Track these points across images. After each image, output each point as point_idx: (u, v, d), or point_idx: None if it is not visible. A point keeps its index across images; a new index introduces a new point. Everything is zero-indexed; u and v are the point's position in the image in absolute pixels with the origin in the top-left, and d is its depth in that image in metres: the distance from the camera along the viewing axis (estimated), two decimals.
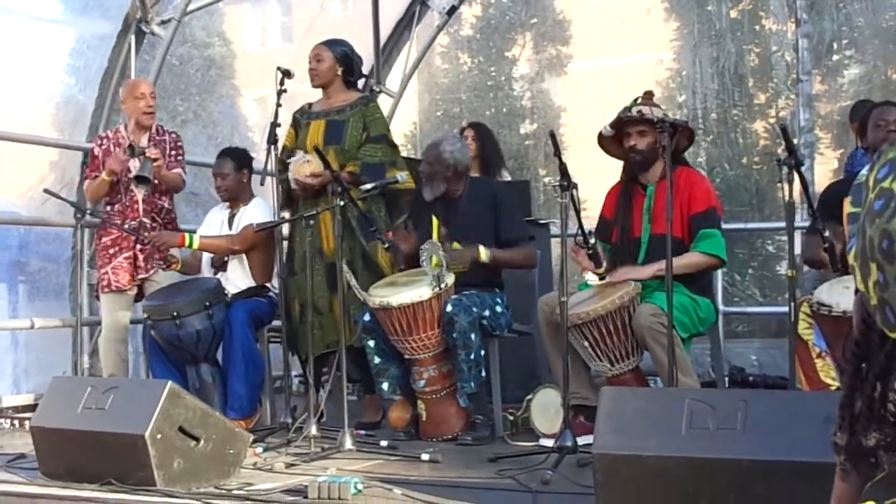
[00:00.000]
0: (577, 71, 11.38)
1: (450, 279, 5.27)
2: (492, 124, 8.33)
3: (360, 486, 3.78)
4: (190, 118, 9.63)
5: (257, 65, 11.65)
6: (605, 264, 5.11)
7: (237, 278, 6.10)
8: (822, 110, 9.33)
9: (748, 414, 3.17)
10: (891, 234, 1.26)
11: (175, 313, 5.67)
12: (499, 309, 5.49)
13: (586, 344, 4.91)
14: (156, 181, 6.04)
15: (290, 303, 5.77)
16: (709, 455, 3.16)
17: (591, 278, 5.17)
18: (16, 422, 5.92)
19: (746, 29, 9.99)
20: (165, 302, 5.80)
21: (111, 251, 6.09)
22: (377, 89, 9.07)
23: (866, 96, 7.99)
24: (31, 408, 5.82)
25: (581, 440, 4.37)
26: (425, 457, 4.62)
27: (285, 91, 5.67)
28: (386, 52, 9.34)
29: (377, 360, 5.43)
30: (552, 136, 4.68)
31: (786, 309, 4.40)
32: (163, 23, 7.56)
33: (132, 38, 7.51)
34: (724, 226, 5.21)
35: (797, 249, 5.40)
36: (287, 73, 5.67)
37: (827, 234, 4.71)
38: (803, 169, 4.64)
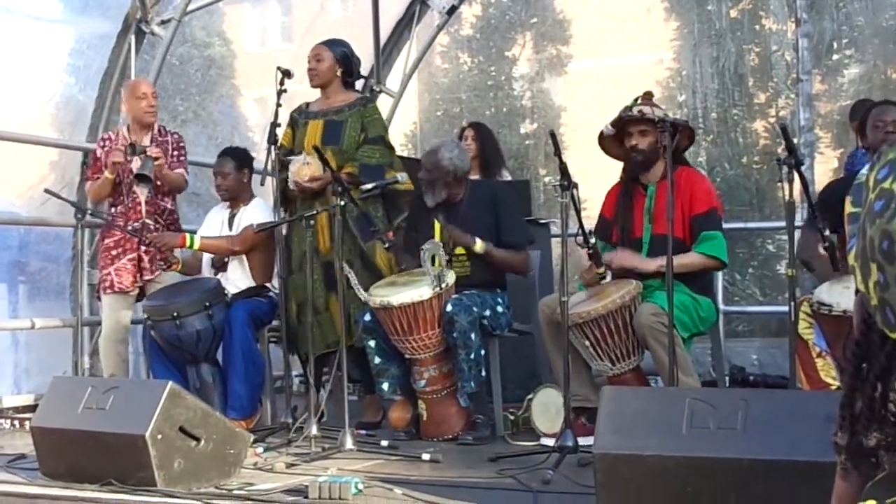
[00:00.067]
0: (577, 70, 11.37)
1: (450, 279, 5.27)
2: (492, 124, 8.33)
3: (360, 486, 3.78)
4: (190, 118, 9.62)
5: (257, 65, 11.65)
6: (605, 264, 5.12)
7: (237, 278, 6.10)
8: (822, 110, 9.33)
9: (749, 413, 3.17)
10: (891, 234, 1.26)
11: (175, 314, 5.67)
12: (499, 309, 5.49)
13: (587, 343, 4.92)
14: (158, 182, 6.04)
15: (288, 302, 5.77)
16: (709, 454, 3.16)
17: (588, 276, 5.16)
18: (16, 422, 5.92)
19: (746, 28, 9.98)
20: (165, 302, 5.81)
21: (113, 252, 6.10)
22: (377, 89, 9.08)
23: (866, 96, 7.98)
24: (32, 408, 5.82)
25: (583, 441, 4.36)
26: (426, 457, 4.62)
27: (285, 91, 5.67)
28: (386, 51, 9.34)
29: (378, 360, 5.44)
30: (552, 135, 4.68)
31: (786, 308, 4.40)
32: (163, 23, 7.55)
33: (132, 37, 7.51)
34: (724, 225, 5.21)
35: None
36: (287, 73, 5.68)
37: (827, 233, 4.71)
38: (803, 168, 4.64)
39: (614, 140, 5.25)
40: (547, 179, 10.21)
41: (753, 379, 6.86)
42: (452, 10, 9.26)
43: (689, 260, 4.98)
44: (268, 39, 14.10)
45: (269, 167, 5.62)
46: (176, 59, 9.03)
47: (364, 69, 6.39)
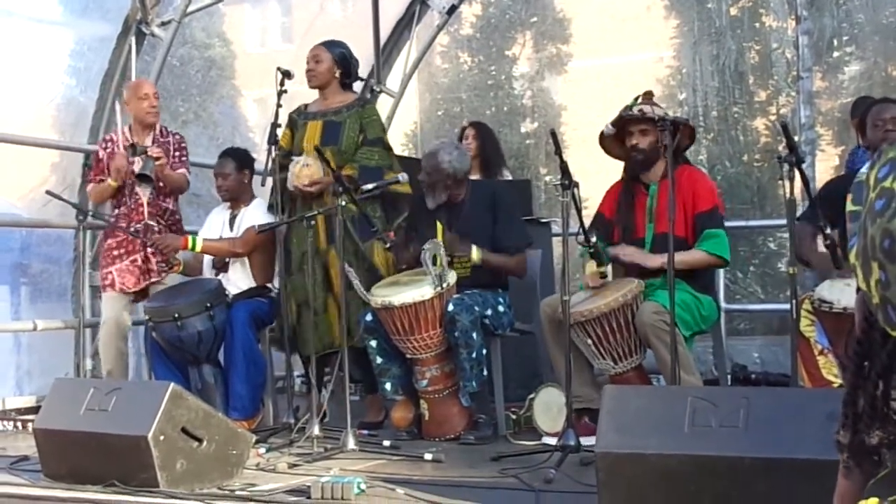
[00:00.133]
0: (577, 69, 11.37)
1: (452, 278, 5.27)
2: (492, 123, 8.33)
3: (363, 486, 3.78)
4: (191, 119, 9.63)
5: (257, 65, 11.66)
6: (607, 263, 5.12)
7: (238, 279, 6.10)
8: (823, 107, 9.32)
9: (750, 411, 3.17)
10: (892, 233, 1.26)
11: (176, 315, 5.67)
12: (501, 308, 5.49)
13: (589, 342, 4.92)
14: (160, 183, 6.05)
15: (288, 303, 5.76)
16: (711, 453, 3.16)
17: (593, 269, 5.16)
18: (18, 424, 5.93)
19: (746, 26, 9.98)
20: (166, 303, 5.81)
21: (115, 252, 6.11)
22: (377, 89, 9.08)
23: (867, 93, 7.98)
24: (34, 410, 5.82)
25: (586, 441, 4.36)
26: (428, 456, 4.62)
27: (285, 91, 5.67)
28: (386, 51, 9.33)
29: (379, 360, 5.44)
30: (553, 134, 4.68)
31: (787, 306, 4.40)
32: (163, 24, 7.55)
33: (132, 39, 7.51)
34: (725, 223, 5.21)
35: None
36: (287, 74, 5.68)
37: (828, 231, 4.71)
38: (804, 166, 4.64)
39: (615, 140, 5.25)
40: (548, 178, 10.21)
41: (755, 377, 6.86)
42: (452, 10, 9.25)
43: (691, 257, 4.98)
44: (268, 40, 14.11)
45: (270, 167, 5.62)
46: (176, 61, 9.03)
47: (364, 69, 6.40)
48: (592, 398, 4.92)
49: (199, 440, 4.11)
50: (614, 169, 5.42)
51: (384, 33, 9.19)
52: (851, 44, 9.58)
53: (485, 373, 5.30)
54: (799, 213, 5.15)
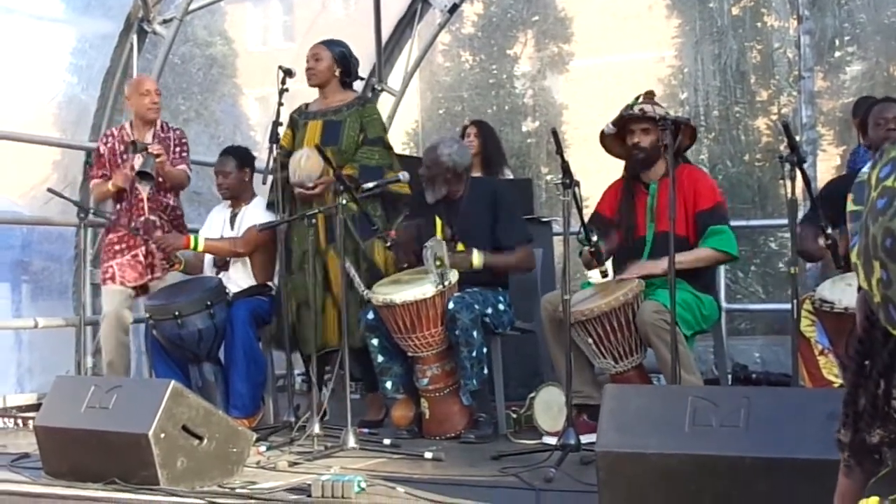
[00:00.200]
0: (578, 68, 11.37)
1: (453, 277, 5.27)
2: (493, 122, 8.32)
3: (363, 485, 3.78)
4: (192, 117, 9.62)
5: (259, 64, 11.65)
6: (607, 262, 5.11)
7: (239, 277, 6.11)
8: (825, 107, 9.32)
9: (751, 411, 3.17)
10: (893, 232, 1.26)
11: (177, 313, 5.68)
12: (501, 307, 5.49)
13: (590, 341, 4.92)
14: (160, 178, 6.06)
15: (288, 302, 5.76)
16: (712, 452, 3.16)
17: (595, 277, 5.16)
18: (19, 421, 5.93)
19: (748, 26, 9.98)
20: (167, 301, 5.81)
21: (116, 247, 6.14)
22: (379, 88, 9.08)
23: (868, 93, 7.98)
24: (35, 407, 5.82)
25: (585, 438, 4.36)
26: (428, 455, 4.62)
27: (287, 90, 5.67)
28: (388, 50, 9.33)
29: (380, 358, 5.44)
30: (554, 133, 4.68)
31: (788, 306, 4.40)
32: (165, 22, 7.56)
33: (134, 37, 7.51)
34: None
35: None
36: (289, 72, 5.68)
37: (829, 231, 4.71)
38: (805, 166, 4.64)
39: (616, 139, 5.25)
40: (549, 178, 10.20)
41: (756, 377, 6.86)
42: (454, 9, 9.25)
43: (698, 255, 5.00)
44: (269, 38, 14.10)
45: (272, 166, 5.62)
46: (178, 59, 9.03)
47: (366, 68, 6.40)
48: (592, 396, 4.93)
49: (200, 438, 4.11)
50: (615, 168, 5.42)
51: (386, 32, 9.20)
52: (853, 44, 9.57)
53: (485, 371, 5.30)
54: (800, 213, 5.16)
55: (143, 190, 6.08)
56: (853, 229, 1.40)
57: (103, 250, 6.30)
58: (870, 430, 1.39)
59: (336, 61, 5.95)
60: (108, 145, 6.24)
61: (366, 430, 5.34)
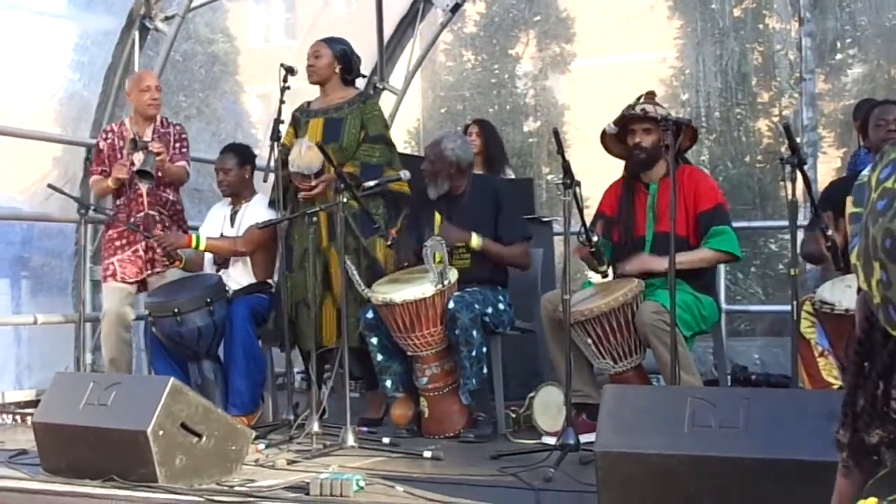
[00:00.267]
0: (580, 68, 11.36)
1: (453, 276, 5.27)
2: (495, 122, 8.32)
3: (361, 483, 3.78)
4: (193, 114, 9.62)
5: (261, 61, 11.65)
6: (607, 262, 5.12)
7: (238, 275, 6.11)
8: (826, 109, 9.31)
9: (750, 412, 3.18)
10: (893, 233, 1.27)
11: (176, 310, 5.67)
12: (501, 306, 5.49)
13: (589, 341, 4.92)
14: (159, 174, 6.06)
15: (288, 300, 5.76)
16: (711, 453, 3.16)
17: (595, 276, 5.17)
18: (18, 417, 5.92)
19: (750, 27, 9.97)
20: (167, 299, 5.81)
21: (117, 243, 6.15)
22: (380, 86, 9.08)
23: (869, 95, 7.98)
24: (34, 404, 5.83)
25: (584, 438, 4.36)
26: (427, 454, 4.62)
27: (289, 88, 5.66)
28: (389, 49, 9.34)
29: (380, 357, 5.44)
30: (555, 133, 4.69)
31: (788, 307, 4.40)
32: (166, 19, 7.56)
33: (136, 34, 7.51)
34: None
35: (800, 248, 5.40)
36: (290, 70, 5.67)
37: (830, 232, 4.71)
38: (806, 168, 4.64)
39: (616, 138, 5.25)
40: (550, 177, 10.20)
41: (755, 378, 6.87)
42: (456, 8, 9.25)
43: (699, 256, 5.00)
44: (271, 36, 14.10)
45: (272, 163, 5.61)
46: (179, 56, 9.02)
47: (367, 66, 6.40)
48: (591, 395, 4.93)
49: (199, 436, 4.11)
50: (616, 168, 5.42)
51: (388, 31, 9.20)
52: (854, 46, 9.56)
53: (485, 371, 5.30)
54: (801, 214, 5.15)
55: (143, 186, 6.08)
56: (853, 231, 1.40)
57: (103, 247, 6.31)
58: (868, 430, 1.39)
59: (336, 58, 5.95)
60: (108, 141, 6.25)
61: (365, 429, 5.34)
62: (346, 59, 5.99)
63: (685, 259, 4.81)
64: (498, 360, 5.51)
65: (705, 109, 9.98)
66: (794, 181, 4.37)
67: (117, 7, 7.62)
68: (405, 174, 5.60)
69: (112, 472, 4.00)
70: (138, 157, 6.01)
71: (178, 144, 6.25)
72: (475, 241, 5.43)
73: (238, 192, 6.19)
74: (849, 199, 1.45)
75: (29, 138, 7.20)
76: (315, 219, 5.43)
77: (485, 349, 5.30)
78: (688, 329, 4.89)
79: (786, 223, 4.58)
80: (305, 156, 5.70)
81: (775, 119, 9.79)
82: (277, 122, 5.65)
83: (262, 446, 4.82)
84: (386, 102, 9.05)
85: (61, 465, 4.24)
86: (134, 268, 6.11)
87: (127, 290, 6.16)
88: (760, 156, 9.96)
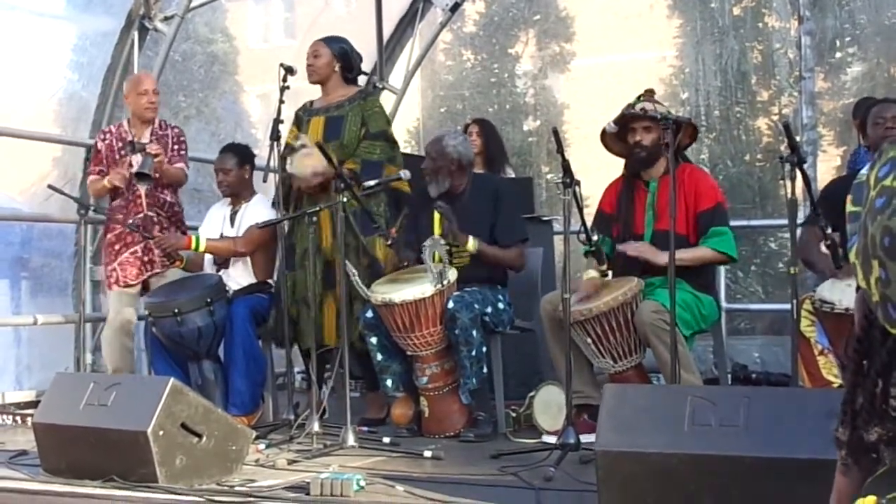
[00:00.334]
0: (580, 68, 11.36)
1: (452, 276, 5.27)
2: (495, 121, 8.31)
3: (362, 483, 3.78)
4: (193, 114, 9.62)
5: (260, 61, 11.64)
6: (606, 262, 5.12)
7: (239, 275, 6.10)
8: (825, 108, 9.31)
9: (750, 411, 3.18)
10: (892, 231, 1.27)
11: (176, 310, 5.67)
12: (501, 305, 5.49)
13: (589, 341, 4.92)
14: (157, 175, 6.05)
15: (289, 299, 5.76)
16: (711, 452, 3.16)
17: (593, 275, 5.16)
18: (18, 418, 5.92)
19: (749, 26, 9.97)
20: (167, 299, 5.81)
21: (116, 247, 6.15)
22: (380, 86, 9.08)
23: (869, 94, 7.98)
24: (34, 404, 5.82)
25: (584, 438, 4.36)
26: (428, 453, 4.62)
27: (288, 87, 5.66)
28: (389, 48, 9.33)
29: (380, 357, 5.43)
30: (555, 132, 4.69)
31: (788, 306, 4.40)
32: (166, 19, 7.56)
33: (135, 34, 7.51)
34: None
35: None
36: (290, 70, 5.67)
37: (829, 231, 4.70)
38: (806, 166, 4.64)
39: (616, 137, 5.25)
40: (550, 176, 10.20)
41: (755, 377, 6.86)
42: (455, 7, 9.25)
43: (697, 254, 5.00)
44: (271, 36, 14.10)
45: (272, 163, 5.61)
46: (179, 56, 9.03)
47: (367, 66, 6.39)
48: (592, 395, 4.93)
49: (199, 436, 4.11)
50: (616, 167, 5.42)
51: (387, 30, 9.20)
52: (854, 44, 9.56)
53: (485, 370, 5.30)
54: (800, 213, 5.16)
55: (141, 188, 6.08)
56: (852, 230, 1.40)
57: (104, 252, 6.31)
58: (867, 428, 1.39)
59: (336, 57, 5.95)
60: (106, 142, 6.25)
61: (365, 429, 5.33)
62: (345, 58, 5.99)
63: (683, 256, 4.80)
64: (498, 359, 5.51)
65: (705, 108, 9.98)
66: (793, 180, 4.37)
67: (116, 8, 7.62)
68: (405, 173, 5.60)
69: (112, 472, 4.00)
70: (136, 160, 6.01)
71: (176, 146, 6.25)
72: (471, 244, 5.42)
73: (238, 192, 6.19)
74: (848, 198, 1.45)
75: (29, 139, 7.20)
76: (315, 218, 5.43)
77: (485, 349, 5.29)
78: (688, 328, 4.89)
79: (785, 222, 4.59)
80: (304, 163, 5.69)
81: (775, 117, 9.79)
82: (277, 121, 5.64)
83: (262, 446, 4.82)
84: (386, 102, 9.03)
85: (61, 465, 4.24)
86: (133, 269, 6.10)
87: (130, 293, 6.16)
88: (760, 154, 9.96)
